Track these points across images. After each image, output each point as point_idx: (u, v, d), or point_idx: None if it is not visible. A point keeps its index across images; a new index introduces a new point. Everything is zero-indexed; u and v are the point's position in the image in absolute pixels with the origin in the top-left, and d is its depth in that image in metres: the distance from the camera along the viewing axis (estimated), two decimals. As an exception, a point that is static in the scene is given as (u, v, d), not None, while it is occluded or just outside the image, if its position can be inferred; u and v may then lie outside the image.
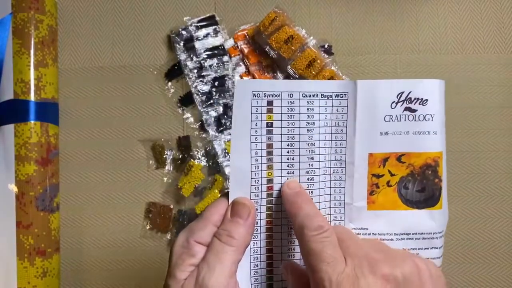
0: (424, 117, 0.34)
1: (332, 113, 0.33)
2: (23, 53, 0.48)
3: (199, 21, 0.53)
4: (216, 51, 0.53)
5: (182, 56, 0.53)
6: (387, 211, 0.33)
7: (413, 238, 0.33)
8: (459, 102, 0.53)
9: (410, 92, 0.33)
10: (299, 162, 0.33)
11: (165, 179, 0.52)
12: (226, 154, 0.51)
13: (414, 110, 0.33)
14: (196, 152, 0.52)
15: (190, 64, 0.52)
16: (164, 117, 0.53)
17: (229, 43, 0.53)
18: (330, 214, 0.33)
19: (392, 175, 0.33)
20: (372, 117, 0.33)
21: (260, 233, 0.32)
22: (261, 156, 0.32)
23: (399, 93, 0.33)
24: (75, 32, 0.55)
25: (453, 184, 0.52)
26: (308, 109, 0.32)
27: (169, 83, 0.53)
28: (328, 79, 0.50)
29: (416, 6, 0.55)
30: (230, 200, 0.30)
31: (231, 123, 0.51)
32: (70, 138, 0.53)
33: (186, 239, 0.28)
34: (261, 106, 0.32)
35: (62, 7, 0.55)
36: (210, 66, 0.52)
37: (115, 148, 0.53)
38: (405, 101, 0.33)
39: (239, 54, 0.53)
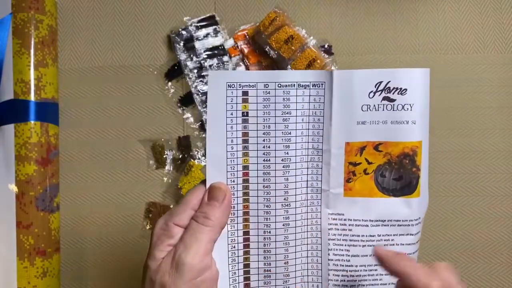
0: (403, 107, 0.33)
1: (309, 102, 0.34)
2: (23, 53, 0.48)
3: (199, 21, 0.53)
4: (216, 51, 0.53)
5: (182, 56, 0.53)
6: (363, 198, 0.34)
7: (388, 225, 0.34)
8: (459, 102, 0.53)
9: (389, 81, 0.33)
10: (275, 150, 0.33)
11: (165, 179, 0.52)
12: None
13: (393, 100, 0.33)
14: (196, 152, 0.52)
15: (190, 64, 0.53)
16: (164, 117, 0.53)
17: (229, 43, 0.53)
18: (307, 200, 0.34)
19: (369, 163, 0.34)
20: (349, 107, 0.33)
21: (237, 216, 0.33)
22: (236, 144, 0.33)
23: (378, 83, 0.33)
24: (75, 32, 0.55)
25: (453, 184, 0.52)
26: (284, 98, 0.33)
27: (169, 83, 0.53)
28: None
29: (416, 6, 0.55)
30: (208, 186, 0.32)
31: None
32: (70, 138, 0.53)
33: (165, 222, 0.30)
34: (236, 96, 0.33)
35: (62, 7, 0.55)
36: (210, 66, 0.52)
37: (115, 148, 0.53)
38: (383, 91, 0.33)
39: (239, 54, 0.53)
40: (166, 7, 0.55)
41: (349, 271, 0.35)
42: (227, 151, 0.33)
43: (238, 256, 0.34)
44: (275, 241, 0.34)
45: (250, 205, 0.34)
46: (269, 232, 0.34)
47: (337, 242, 0.35)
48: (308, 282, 0.36)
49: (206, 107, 0.52)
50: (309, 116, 0.34)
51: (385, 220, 0.34)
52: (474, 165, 0.52)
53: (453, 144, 0.52)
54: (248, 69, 0.53)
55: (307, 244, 0.35)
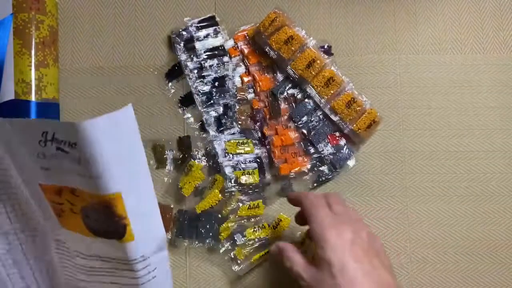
0: (78, 160, 0.29)
1: None
2: (24, 54, 0.49)
3: (199, 22, 0.54)
4: (216, 52, 0.53)
5: (183, 57, 0.53)
6: (79, 234, 0.33)
7: (107, 261, 0.33)
8: (459, 102, 0.53)
9: (54, 133, 0.30)
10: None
11: (166, 179, 0.52)
12: (226, 154, 0.51)
13: (67, 152, 0.30)
14: (196, 152, 0.52)
15: (190, 65, 0.53)
16: (165, 117, 0.53)
17: (229, 44, 0.53)
18: (40, 224, 0.34)
19: (72, 204, 0.32)
20: (26, 153, 0.31)
21: None
22: None
23: (43, 132, 0.30)
24: (76, 33, 0.55)
25: (453, 184, 0.52)
26: None
27: (170, 84, 0.54)
28: (328, 79, 0.50)
29: (415, 6, 0.55)
30: None
31: (231, 123, 0.52)
32: (70, 138, 0.53)
33: None
34: None
35: (62, 7, 0.55)
36: (210, 66, 0.52)
37: (115, 148, 0.53)
38: (53, 141, 0.30)
39: (239, 55, 0.53)
40: (166, 8, 0.55)
41: None
42: None
43: None
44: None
45: None
46: None
47: (66, 268, 0.35)
48: None
49: (206, 107, 0.52)
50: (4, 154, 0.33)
51: (102, 257, 0.33)
52: (473, 165, 0.52)
53: (453, 144, 0.52)
54: (248, 70, 0.53)
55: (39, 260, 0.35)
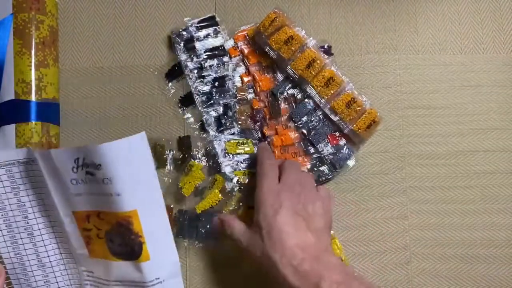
0: (103, 180, 0.33)
1: (33, 176, 0.37)
2: (24, 54, 0.49)
3: (199, 22, 0.54)
4: (216, 52, 0.53)
5: (183, 57, 0.53)
6: (103, 259, 0.36)
7: (127, 285, 0.36)
8: (459, 102, 0.53)
9: (84, 158, 0.34)
10: (15, 221, 0.37)
11: (166, 179, 0.52)
12: (226, 154, 0.51)
13: (94, 174, 0.34)
14: (196, 152, 0.52)
15: (190, 65, 0.53)
16: (165, 117, 0.53)
17: (229, 44, 0.53)
18: (63, 259, 0.38)
19: (98, 229, 0.35)
20: (60, 181, 0.35)
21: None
22: None
23: (76, 159, 0.34)
24: (76, 33, 0.55)
25: (453, 184, 0.52)
26: (8, 176, 0.37)
27: (170, 84, 0.54)
28: (328, 79, 0.50)
29: (415, 7, 0.55)
30: None
31: (231, 123, 0.52)
32: (71, 139, 0.53)
33: None
34: None
35: (62, 7, 0.55)
36: (210, 66, 0.52)
37: (115, 148, 0.53)
38: (83, 166, 0.34)
39: (239, 55, 0.53)
40: (166, 8, 0.55)
41: None
42: None
43: None
44: None
45: (9, 271, 0.37)
46: None
47: None
48: None
49: (206, 107, 0.52)
50: (37, 188, 0.37)
51: (123, 281, 0.36)
52: (473, 165, 0.52)
53: (453, 144, 0.52)
54: (248, 70, 0.53)
55: None
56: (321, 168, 0.51)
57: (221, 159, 0.51)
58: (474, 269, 0.51)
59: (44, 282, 0.37)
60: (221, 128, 0.52)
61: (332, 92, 0.51)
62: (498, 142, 0.52)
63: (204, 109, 0.52)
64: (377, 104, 0.53)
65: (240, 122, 0.52)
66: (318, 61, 0.50)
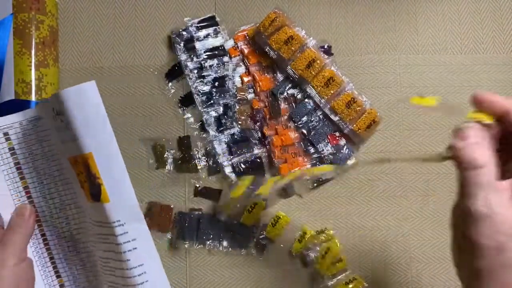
0: (66, 127, 0.38)
1: (48, 129, 0.42)
2: (24, 54, 0.49)
3: (199, 22, 0.54)
4: (216, 52, 0.53)
5: (183, 57, 0.53)
6: (89, 203, 0.40)
7: (101, 226, 0.40)
8: (459, 102, 0.53)
9: (53, 107, 0.39)
10: (44, 173, 0.43)
11: (166, 178, 0.52)
12: (226, 154, 0.51)
13: (62, 120, 0.39)
14: (196, 152, 0.52)
15: (190, 65, 0.53)
16: (165, 117, 0.53)
17: (229, 44, 0.53)
18: (75, 203, 0.43)
19: (81, 173, 0.39)
20: (53, 129, 0.41)
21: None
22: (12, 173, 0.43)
23: (52, 108, 0.39)
24: (76, 33, 0.55)
25: (453, 184, 0.52)
26: (34, 129, 0.43)
27: (170, 84, 0.54)
28: (328, 79, 0.50)
29: (415, 6, 0.55)
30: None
31: (231, 123, 0.52)
32: (71, 138, 0.53)
33: None
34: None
35: (62, 7, 0.55)
36: (210, 66, 0.52)
37: (115, 148, 0.53)
38: (57, 114, 0.39)
39: (239, 55, 0.53)
40: (166, 8, 0.55)
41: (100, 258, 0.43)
42: (7, 186, 0.43)
43: (42, 254, 0.44)
44: (64, 236, 0.44)
45: (38, 208, 0.43)
46: (58, 230, 0.44)
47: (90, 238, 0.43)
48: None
49: (206, 107, 0.52)
50: (49, 140, 0.43)
51: (98, 221, 0.40)
52: (473, 165, 0.52)
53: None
54: (248, 70, 0.53)
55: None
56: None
57: (221, 159, 0.51)
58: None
59: (66, 224, 0.44)
60: (221, 128, 0.52)
61: (332, 92, 0.51)
62: (498, 142, 0.52)
63: (204, 109, 0.52)
64: (377, 104, 0.53)
65: (240, 122, 0.52)
66: (318, 61, 0.50)
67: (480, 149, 0.28)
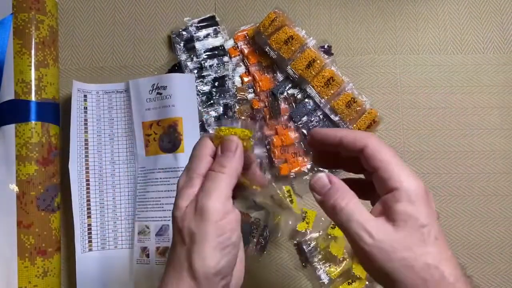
0: (165, 97, 0.50)
1: (123, 100, 0.53)
2: (24, 54, 0.49)
3: (199, 22, 0.54)
4: (216, 52, 0.53)
5: (183, 57, 0.53)
6: (153, 155, 0.51)
7: (166, 171, 0.50)
8: (459, 102, 0.53)
9: (158, 83, 0.50)
10: (104, 134, 0.53)
11: (166, 179, 0.52)
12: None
13: (161, 93, 0.50)
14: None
15: (190, 65, 0.53)
16: (165, 117, 0.53)
17: (229, 44, 0.53)
18: (127, 158, 0.52)
19: (155, 133, 0.51)
20: (140, 101, 0.51)
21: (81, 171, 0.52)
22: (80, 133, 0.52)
23: (153, 84, 0.50)
24: (76, 33, 0.55)
25: (453, 184, 0.52)
26: (108, 99, 0.53)
27: (170, 84, 0.54)
28: (328, 79, 0.50)
29: (415, 6, 0.55)
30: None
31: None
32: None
33: (186, 174, 0.32)
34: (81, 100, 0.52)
35: (62, 7, 0.55)
36: (210, 66, 0.52)
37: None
38: (156, 89, 0.50)
39: (239, 55, 0.53)
40: (166, 8, 0.55)
41: (145, 198, 0.51)
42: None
43: (82, 194, 0.51)
44: (107, 184, 0.52)
45: (90, 163, 0.52)
46: (103, 179, 0.52)
47: (140, 183, 0.51)
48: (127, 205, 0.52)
49: (206, 107, 0.52)
50: (123, 108, 0.53)
51: (164, 168, 0.50)
52: (473, 165, 0.52)
53: (453, 144, 0.52)
54: (248, 70, 0.53)
55: (127, 185, 0.52)
56: (321, 168, 0.51)
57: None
58: (474, 268, 0.51)
59: (111, 175, 0.52)
60: (221, 128, 0.52)
61: (332, 92, 0.51)
62: (498, 142, 0.52)
63: (204, 109, 0.52)
64: (377, 104, 0.53)
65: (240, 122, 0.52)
66: (318, 61, 0.50)
67: (338, 193, 0.31)
